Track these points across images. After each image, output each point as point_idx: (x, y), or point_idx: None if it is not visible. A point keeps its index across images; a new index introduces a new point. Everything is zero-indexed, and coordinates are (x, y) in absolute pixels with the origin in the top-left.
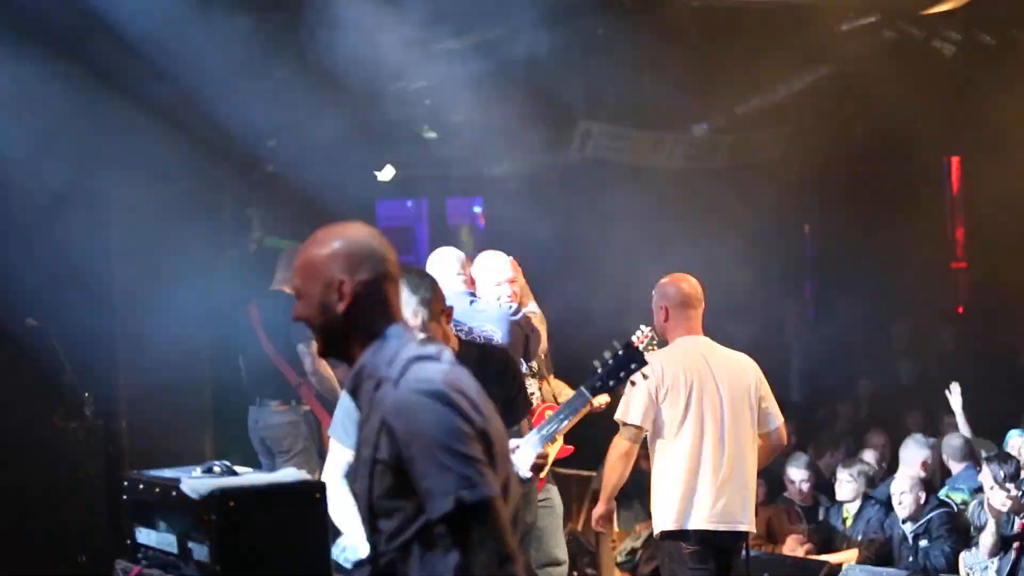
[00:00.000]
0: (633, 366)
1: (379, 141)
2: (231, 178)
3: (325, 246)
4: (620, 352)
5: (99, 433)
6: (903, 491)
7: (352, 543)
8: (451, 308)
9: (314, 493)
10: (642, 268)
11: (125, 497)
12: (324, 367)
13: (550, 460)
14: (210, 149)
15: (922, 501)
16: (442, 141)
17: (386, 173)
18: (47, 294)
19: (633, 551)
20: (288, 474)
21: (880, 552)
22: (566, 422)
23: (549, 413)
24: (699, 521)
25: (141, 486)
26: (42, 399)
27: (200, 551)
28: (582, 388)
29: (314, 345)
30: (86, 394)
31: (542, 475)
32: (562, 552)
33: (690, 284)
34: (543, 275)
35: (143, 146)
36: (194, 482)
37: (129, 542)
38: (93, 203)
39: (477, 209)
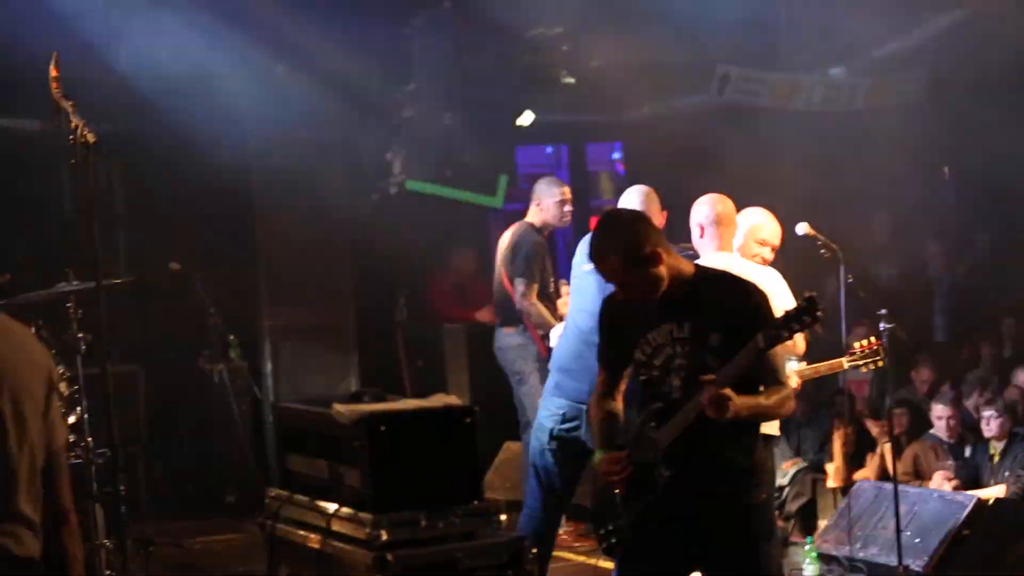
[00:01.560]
0: (806, 319)
1: (518, 87)
2: (370, 123)
3: None
4: (802, 303)
5: (245, 375)
6: None
7: None
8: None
9: (464, 417)
10: (781, 211)
11: (277, 425)
12: (531, 304)
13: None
14: (349, 94)
15: None
16: (581, 87)
17: (525, 118)
18: (192, 239)
19: (780, 488)
20: (439, 399)
21: None
22: (739, 367)
23: None
24: None
25: (292, 414)
26: (188, 343)
27: (352, 475)
28: (758, 336)
29: (523, 282)
30: (231, 336)
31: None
32: None
33: (724, 204)
34: (682, 220)
35: (282, 92)
36: (345, 408)
37: (281, 469)
38: (234, 149)
39: (616, 155)
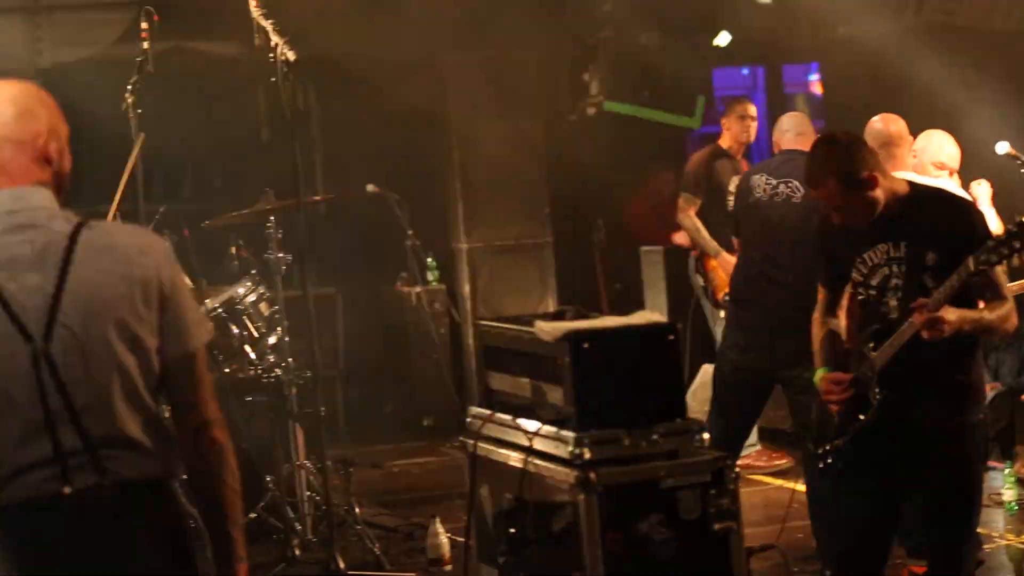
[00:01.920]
0: (1016, 243)
1: (715, 7)
2: (568, 43)
3: None
4: (1013, 228)
5: (442, 297)
6: None
7: None
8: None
9: (667, 334)
10: (980, 132)
11: (479, 343)
12: (684, 216)
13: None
14: (546, 14)
15: None
16: (777, 7)
17: (722, 39)
18: (389, 161)
19: None
20: (642, 316)
21: None
22: (950, 290)
23: None
24: None
25: (494, 332)
26: (385, 265)
27: (554, 393)
28: (969, 259)
29: (683, 196)
30: (428, 259)
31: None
32: None
33: (896, 123)
34: None
35: (480, 13)
36: (547, 326)
37: (483, 388)
38: (432, 70)
39: (813, 77)
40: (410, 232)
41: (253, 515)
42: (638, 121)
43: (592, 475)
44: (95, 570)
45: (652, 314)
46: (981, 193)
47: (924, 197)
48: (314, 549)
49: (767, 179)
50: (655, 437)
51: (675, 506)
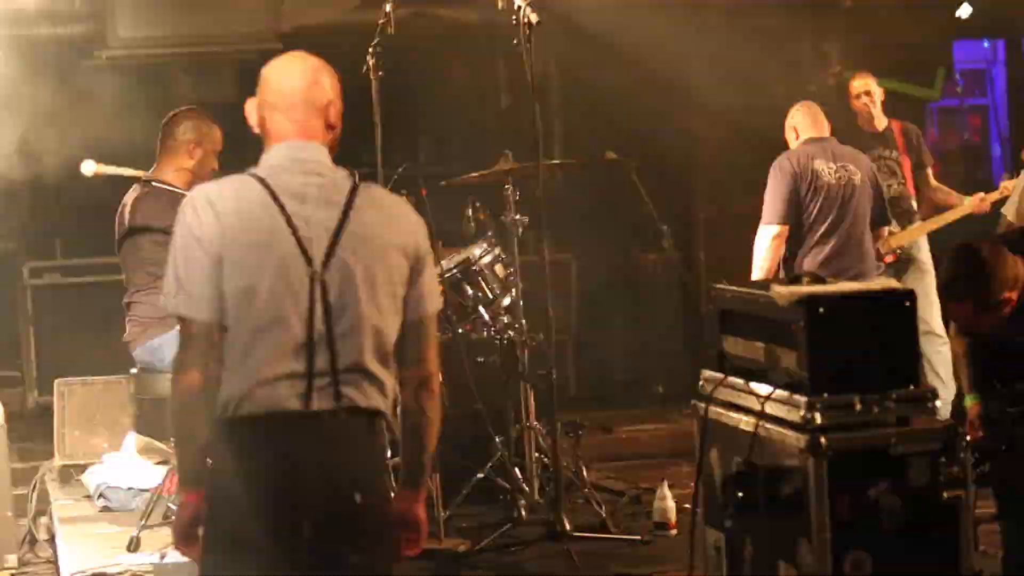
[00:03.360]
0: None
1: None
2: (810, 12)
3: None
4: None
5: (677, 266)
6: None
7: None
8: None
9: (903, 301)
10: None
11: (714, 307)
12: None
13: None
14: None
15: None
16: None
17: (964, 10)
18: (626, 126)
19: None
20: (879, 282)
21: None
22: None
23: None
24: None
25: (729, 295)
26: (622, 232)
27: (788, 358)
28: None
29: None
30: (664, 227)
31: None
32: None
33: None
34: None
35: None
36: (784, 290)
37: (716, 351)
38: (673, 38)
39: None
40: (647, 200)
41: (481, 475)
42: None
43: (823, 440)
44: (321, 487)
45: (889, 281)
46: None
47: None
48: (540, 511)
49: (828, 164)
50: (887, 403)
51: (904, 473)
